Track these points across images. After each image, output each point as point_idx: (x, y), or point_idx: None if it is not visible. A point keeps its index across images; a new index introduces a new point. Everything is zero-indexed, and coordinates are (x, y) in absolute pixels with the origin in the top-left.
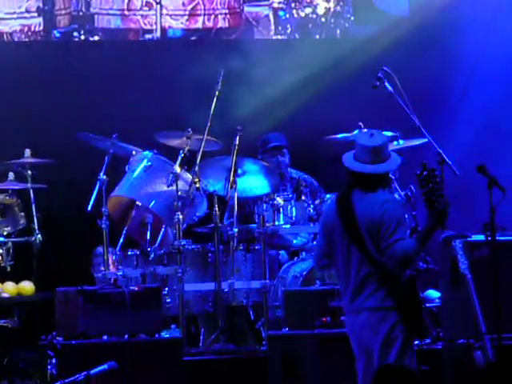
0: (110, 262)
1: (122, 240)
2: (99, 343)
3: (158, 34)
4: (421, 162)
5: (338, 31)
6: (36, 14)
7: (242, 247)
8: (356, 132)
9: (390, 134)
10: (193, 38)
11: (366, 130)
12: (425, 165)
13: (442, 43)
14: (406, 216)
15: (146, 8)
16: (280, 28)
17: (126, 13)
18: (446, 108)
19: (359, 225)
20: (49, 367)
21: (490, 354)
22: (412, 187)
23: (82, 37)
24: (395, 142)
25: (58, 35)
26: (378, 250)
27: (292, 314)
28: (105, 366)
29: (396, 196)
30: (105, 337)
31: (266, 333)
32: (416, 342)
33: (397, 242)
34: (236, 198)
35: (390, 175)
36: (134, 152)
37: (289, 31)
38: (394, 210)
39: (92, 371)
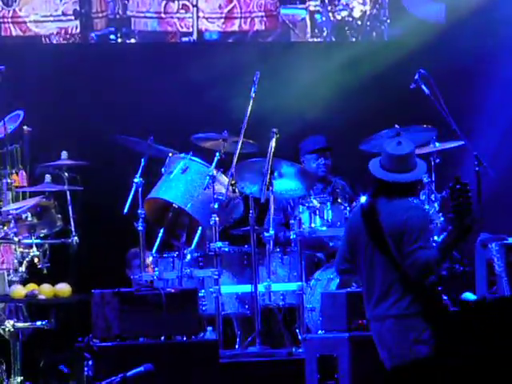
0: (147, 263)
1: (158, 242)
2: (135, 345)
3: (195, 36)
4: (454, 175)
5: (374, 34)
6: (73, 17)
7: (278, 249)
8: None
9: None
10: (230, 41)
11: (397, 136)
12: (458, 178)
13: (477, 50)
14: (440, 220)
15: (182, 11)
16: (316, 31)
17: (163, 16)
18: (482, 111)
19: (383, 231)
20: (85, 369)
21: None
22: (447, 190)
23: (119, 39)
24: (431, 144)
25: (95, 38)
26: (402, 257)
27: (328, 317)
28: (141, 369)
29: (425, 205)
30: (141, 339)
31: (302, 335)
32: None
33: (418, 249)
34: (272, 201)
35: (423, 180)
36: (170, 154)
37: (325, 34)
38: (417, 218)
39: (128, 373)
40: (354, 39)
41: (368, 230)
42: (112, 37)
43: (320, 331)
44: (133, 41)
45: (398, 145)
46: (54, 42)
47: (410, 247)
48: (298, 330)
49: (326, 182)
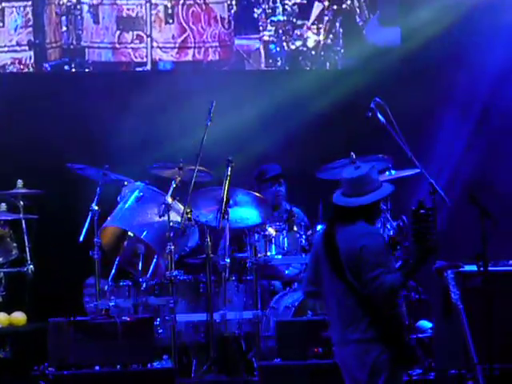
0: (102, 292)
1: (114, 270)
2: (91, 374)
3: (149, 66)
4: (418, 200)
5: (328, 64)
6: (27, 48)
7: (233, 278)
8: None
9: (381, 163)
10: (183, 69)
11: (354, 161)
12: (421, 202)
13: (432, 73)
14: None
15: (136, 41)
16: (271, 61)
17: (117, 46)
18: (436, 138)
19: (340, 256)
20: None
21: None
22: (404, 218)
23: (73, 70)
24: (387, 173)
25: (49, 68)
26: (359, 282)
27: (284, 345)
28: None
29: (377, 228)
30: (97, 367)
31: (257, 363)
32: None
33: (381, 274)
34: (228, 229)
35: (380, 206)
36: (125, 182)
37: (279, 63)
38: (372, 245)
39: None
40: (307, 68)
41: (326, 254)
42: (66, 67)
43: (276, 359)
44: (86, 71)
45: (356, 169)
46: (8, 71)
47: (368, 274)
48: (254, 358)
49: (282, 210)
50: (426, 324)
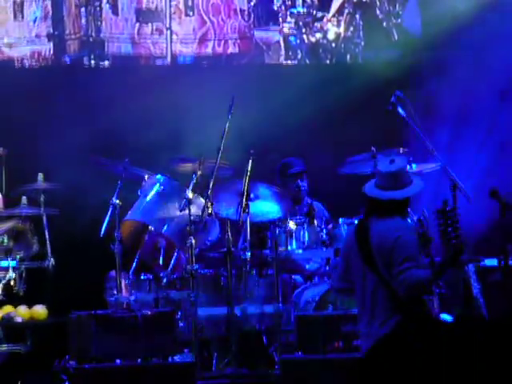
0: (123, 286)
1: (134, 264)
2: (112, 367)
3: (169, 60)
4: (443, 199)
5: (348, 56)
6: (46, 40)
7: (254, 272)
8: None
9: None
10: (203, 63)
11: (375, 155)
12: (446, 202)
13: (453, 66)
14: None
15: (156, 34)
16: (290, 53)
17: (137, 39)
18: (460, 132)
19: (373, 249)
20: None
21: None
22: (425, 211)
23: (92, 62)
24: (408, 167)
25: (68, 61)
26: (391, 276)
27: (304, 339)
28: None
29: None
30: (118, 361)
31: (278, 357)
32: None
33: (410, 268)
34: (248, 223)
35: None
36: (146, 176)
37: (299, 56)
38: (406, 237)
39: None
40: (328, 61)
41: (359, 248)
42: (85, 59)
43: (297, 353)
44: (106, 63)
45: (391, 162)
46: (27, 65)
47: (398, 267)
48: (274, 352)
49: (303, 204)
50: (446, 317)
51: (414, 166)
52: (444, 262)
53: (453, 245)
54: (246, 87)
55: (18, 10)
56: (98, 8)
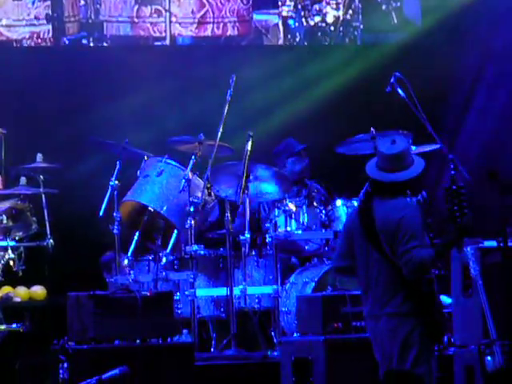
0: (122, 267)
1: (133, 245)
2: (111, 348)
3: (168, 41)
4: (450, 176)
5: (347, 39)
6: (45, 21)
7: (253, 253)
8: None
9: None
10: (202, 45)
11: (375, 136)
12: (453, 180)
13: (451, 48)
14: None
15: (155, 15)
16: (289, 36)
17: (136, 20)
18: (457, 114)
19: (377, 229)
20: (60, 372)
21: (500, 360)
22: (424, 193)
23: (91, 44)
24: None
25: (67, 42)
26: (395, 256)
27: (303, 320)
28: (116, 371)
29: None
30: (116, 341)
31: (277, 338)
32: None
33: (414, 248)
34: (248, 204)
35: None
36: (145, 157)
37: (298, 39)
38: (411, 217)
39: (104, 376)
40: (326, 44)
41: (363, 228)
42: (84, 41)
43: (295, 334)
44: (105, 45)
45: (392, 143)
46: (26, 46)
47: (403, 246)
48: (273, 333)
49: (302, 185)
50: (445, 299)
51: (413, 147)
52: (449, 241)
53: (458, 224)
54: (245, 69)
55: None
56: None
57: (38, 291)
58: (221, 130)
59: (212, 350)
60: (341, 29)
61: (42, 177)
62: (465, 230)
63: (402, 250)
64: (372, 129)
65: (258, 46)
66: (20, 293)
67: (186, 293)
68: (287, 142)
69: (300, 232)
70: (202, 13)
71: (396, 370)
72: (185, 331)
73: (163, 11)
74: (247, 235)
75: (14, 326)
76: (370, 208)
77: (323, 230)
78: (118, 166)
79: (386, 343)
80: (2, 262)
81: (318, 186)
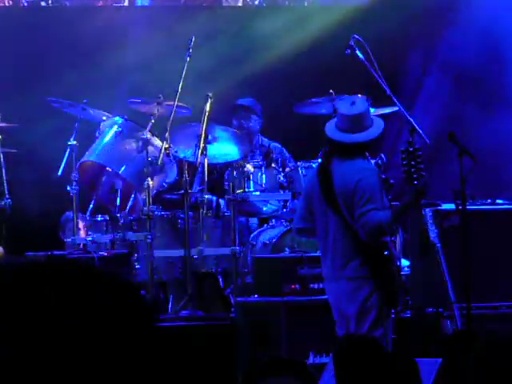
0: (80, 227)
1: (91, 206)
2: None
3: (126, 2)
4: (406, 139)
5: (306, 3)
6: None
7: (211, 214)
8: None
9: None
10: (161, 6)
11: (334, 99)
12: (410, 142)
13: (412, 8)
14: None
15: None
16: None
17: None
18: (415, 76)
19: (336, 192)
20: None
21: (458, 323)
22: (383, 156)
23: (50, 5)
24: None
25: (25, 3)
26: (353, 218)
27: (261, 281)
28: None
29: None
30: None
31: (235, 300)
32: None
33: (371, 211)
34: (206, 165)
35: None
36: (104, 118)
37: (256, 2)
38: (369, 179)
39: None
40: (286, 3)
41: (321, 190)
42: (43, 3)
43: (253, 296)
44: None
45: (352, 105)
46: None
47: (361, 209)
48: (231, 295)
49: (258, 145)
50: (403, 262)
51: (372, 109)
52: (405, 204)
53: (415, 186)
54: (204, 29)
55: None
56: None
57: None
58: (179, 90)
59: (169, 311)
60: None
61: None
62: (422, 192)
63: (359, 212)
64: (331, 91)
65: (217, 7)
66: None
67: (144, 254)
68: (237, 102)
69: (258, 193)
70: None
71: (354, 334)
72: (142, 292)
73: None
74: (205, 196)
75: None
76: (328, 170)
77: (281, 192)
78: (76, 127)
79: (344, 305)
80: None
81: (278, 146)
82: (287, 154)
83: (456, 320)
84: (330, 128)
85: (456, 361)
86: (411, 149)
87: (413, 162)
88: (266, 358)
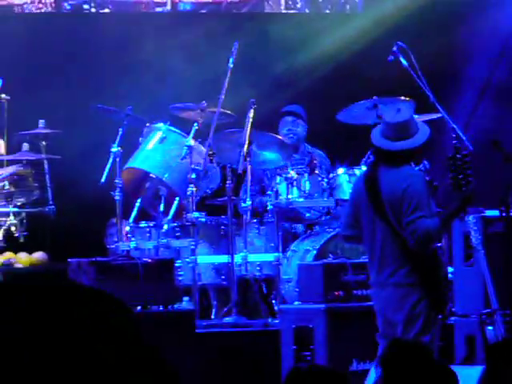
0: (124, 233)
1: (135, 212)
2: None
3: (169, 7)
4: (454, 145)
5: (348, 7)
6: None
7: (255, 220)
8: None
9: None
10: (203, 12)
11: (374, 107)
12: (458, 148)
13: (457, 18)
14: None
15: None
16: (290, 2)
17: None
18: (461, 84)
19: (383, 199)
20: None
21: (501, 330)
22: (426, 163)
23: (93, 10)
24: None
25: (68, 7)
26: (401, 226)
27: (304, 288)
28: None
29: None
30: None
31: (278, 306)
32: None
33: (419, 219)
34: (250, 171)
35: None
36: (147, 124)
37: (299, 5)
38: (416, 185)
39: None
40: (327, 11)
41: (369, 197)
42: (86, 6)
43: (296, 302)
44: (107, 10)
45: (397, 112)
46: (27, 11)
47: (409, 217)
48: (274, 301)
49: (302, 152)
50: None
51: (415, 116)
52: (453, 210)
53: (463, 192)
54: (246, 36)
55: None
56: None
57: (40, 257)
58: (223, 96)
59: (212, 317)
60: None
61: (44, 143)
62: (469, 198)
63: (407, 220)
64: (374, 97)
65: (259, 14)
66: (21, 259)
67: (187, 260)
68: (282, 109)
69: (302, 200)
70: None
71: (403, 339)
72: (186, 298)
73: None
74: (249, 202)
75: None
76: (375, 178)
77: (325, 198)
78: (120, 133)
79: (390, 312)
80: (4, 227)
81: (321, 153)
82: (328, 163)
83: (499, 327)
84: (376, 136)
85: (498, 368)
86: (459, 155)
87: (460, 169)
88: (306, 366)
